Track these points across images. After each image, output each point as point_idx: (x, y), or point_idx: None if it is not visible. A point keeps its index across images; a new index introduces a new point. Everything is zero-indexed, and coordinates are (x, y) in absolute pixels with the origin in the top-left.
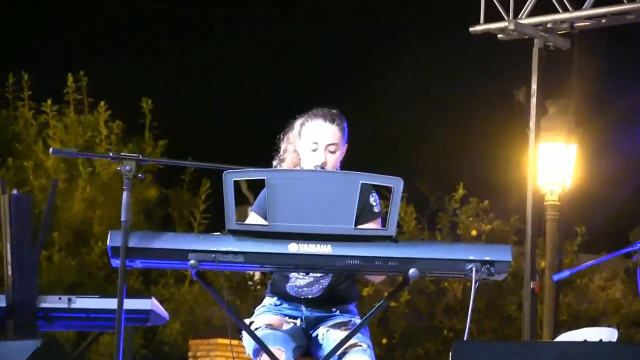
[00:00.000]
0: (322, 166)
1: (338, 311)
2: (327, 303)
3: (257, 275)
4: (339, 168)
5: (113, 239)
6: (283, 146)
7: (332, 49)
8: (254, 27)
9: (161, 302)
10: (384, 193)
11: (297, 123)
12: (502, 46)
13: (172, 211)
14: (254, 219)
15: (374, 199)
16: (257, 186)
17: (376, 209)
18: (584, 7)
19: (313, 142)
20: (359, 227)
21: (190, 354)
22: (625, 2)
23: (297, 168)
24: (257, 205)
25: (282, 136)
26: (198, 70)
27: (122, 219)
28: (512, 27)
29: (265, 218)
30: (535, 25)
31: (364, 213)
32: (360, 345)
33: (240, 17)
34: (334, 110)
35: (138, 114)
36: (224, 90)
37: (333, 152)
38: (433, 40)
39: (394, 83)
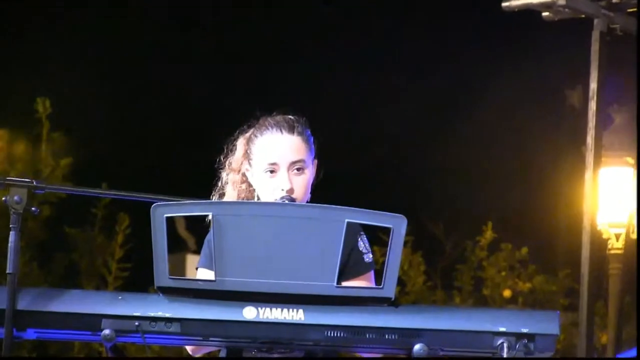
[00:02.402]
0: (290, 195)
1: None
2: None
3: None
4: (310, 196)
5: None
6: (223, 176)
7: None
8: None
9: None
10: (381, 236)
11: (241, 142)
12: (548, 29)
13: (79, 259)
14: (204, 277)
15: (363, 244)
16: (199, 226)
17: (367, 259)
18: None
19: (269, 163)
20: (344, 284)
21: None
22: None
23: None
24: (206, 258)
25: (222, 161)
26: (118, 64)
27: (9, 270)
28: (562, 1)
29: None
30: (595, 0)
31: (350, 264)
32: None
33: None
34: (291, 116)
35: (32, 120)
36: (157, 89)
37: (300, 174)
38: (450, 20)
39: (386, 78)
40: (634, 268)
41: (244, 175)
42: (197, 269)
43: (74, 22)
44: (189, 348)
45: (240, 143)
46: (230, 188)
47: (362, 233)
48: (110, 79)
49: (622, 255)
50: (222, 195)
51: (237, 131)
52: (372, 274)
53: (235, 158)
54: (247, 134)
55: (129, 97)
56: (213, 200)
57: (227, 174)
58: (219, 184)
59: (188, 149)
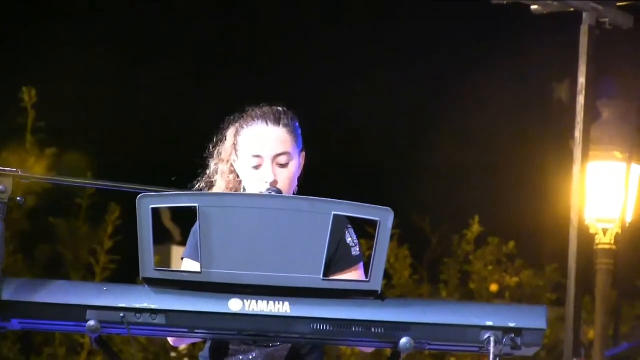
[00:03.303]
0: (274, 187)
1: None
2: None
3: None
4: (297, 188)
5: None
6: (212, 165)
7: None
8: None
9: None
10: (367, 229)
11: (231, 132)
12: (537, 23)
13: (64, 250)
14: (189, 268)
15: (351, 238)
16: (186, 218)
17: (355, 252)
18: None
19: (253, 155)
20: (331, 277)
21: None
22: None
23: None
24: (193, 248)
25: (210, 150)
26: (106, 54)
27: None
28: None
29: None
30: None
31: (337, 257)
32: None
33: None
34: (279, 108)
35: (16, 110)
36: (144, 80)
37: (284, 166)
38: (438, 12)
39: (373, 71)
40: (626, 263)
41: (232, 165)
42: (182, 259)
43: (60, 12)
44: (170, 339)
45: (230, 133)
46: (219, 178)
47: (349, 226)
48: (96, 70)
49: (614, 250)
50: (210, 184)
51: (227, 121)
52: (359, 266)
53: (225, 148)
54: (236, 125)
55: (115, 88)
56: (197, 187)
57: (216, 164)
58: (207, 172)
59: (175, 140)
